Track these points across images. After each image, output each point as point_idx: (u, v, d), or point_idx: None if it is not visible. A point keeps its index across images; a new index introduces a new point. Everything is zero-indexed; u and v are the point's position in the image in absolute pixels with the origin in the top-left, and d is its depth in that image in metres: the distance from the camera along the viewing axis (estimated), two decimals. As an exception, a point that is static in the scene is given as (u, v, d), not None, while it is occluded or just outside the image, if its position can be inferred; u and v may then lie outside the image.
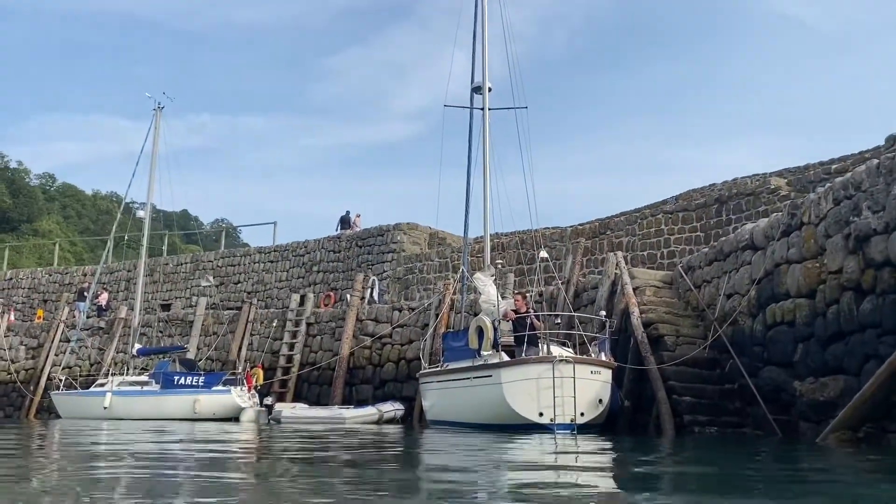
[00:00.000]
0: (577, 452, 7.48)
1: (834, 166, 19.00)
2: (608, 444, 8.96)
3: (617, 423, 12.69)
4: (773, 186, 18.89)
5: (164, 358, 21.64)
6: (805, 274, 10.31)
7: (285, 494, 4.14)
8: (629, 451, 8.24)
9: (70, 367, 24.64)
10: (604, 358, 12.52)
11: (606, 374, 12.31)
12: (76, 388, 21.57)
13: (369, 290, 23.48)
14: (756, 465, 6.27)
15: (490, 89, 17.35)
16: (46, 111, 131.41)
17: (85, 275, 34.38)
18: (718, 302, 12.83)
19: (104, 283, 32.40)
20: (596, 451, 7.73)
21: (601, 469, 5.79)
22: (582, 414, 11.61)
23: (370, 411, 17.37)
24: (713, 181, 24.74)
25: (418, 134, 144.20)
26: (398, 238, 27.40)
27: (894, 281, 8.59)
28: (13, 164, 74.38)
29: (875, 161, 9.38)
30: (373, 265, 27.30)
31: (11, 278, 36.13)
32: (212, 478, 4.98)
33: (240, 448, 8.72)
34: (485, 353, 13.15)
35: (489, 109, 17.18)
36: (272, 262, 30.50)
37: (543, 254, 15.36)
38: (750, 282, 11.88)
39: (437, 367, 15.56)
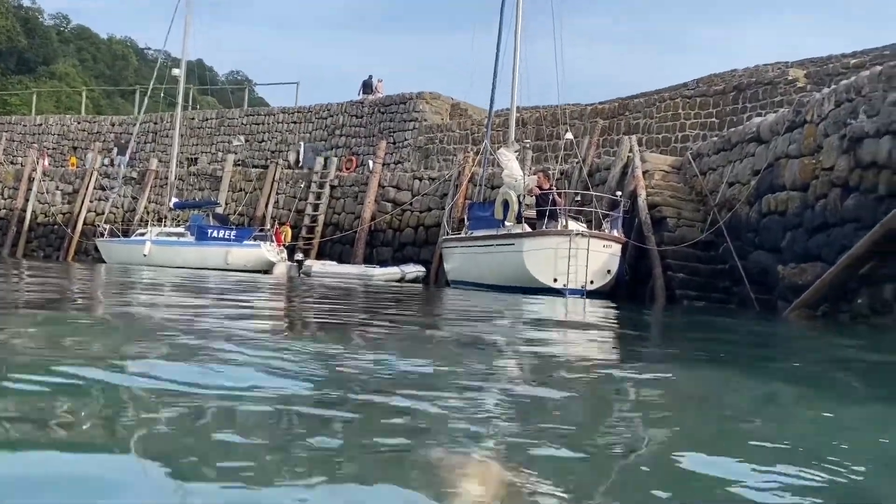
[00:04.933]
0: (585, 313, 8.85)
1: (853, 61, 19.31)
2: (610, 306, 10.41)
3: (619, 292, 14.15)
4: (790, 77, 19.31)
5: (198, 212, 23.01)
6: (801, 169, 11.24)
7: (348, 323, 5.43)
8: (627, 311, 9.63)
9: (103, 214, 26.13)
10: (616, 234, 13.84)
11: (616, 248, 13.71)
12: (119, 236, 23.14)
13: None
14: (723, 327, 7.57)
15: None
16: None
17: (113, 125, 35.25)
18: (721, 189, 13.83)
19: (131, 135, 33.35)
20: (599, 309, 9.10)
21: (604, 320, 7.11)
22: (591, 282, 13.14)
23: (394, 271, 18.88)
24: (735, 67, 24.94)
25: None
26: (420, 107, 27.95)
27: (877, 181, 9.55)
28: (26, 2, 72.83)
29: (878, 68, 10.09)
30: (394, 132, 28.05)
31: (41, 124, 37.02)
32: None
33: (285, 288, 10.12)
34: (508, 223, 14.53)
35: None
36: (295, 122, 31.20)
37: (569, 135, 16.36)
38: (752, 172, 12.82)
39: (461, 234, 16.94)
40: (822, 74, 19.19)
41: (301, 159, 27.07)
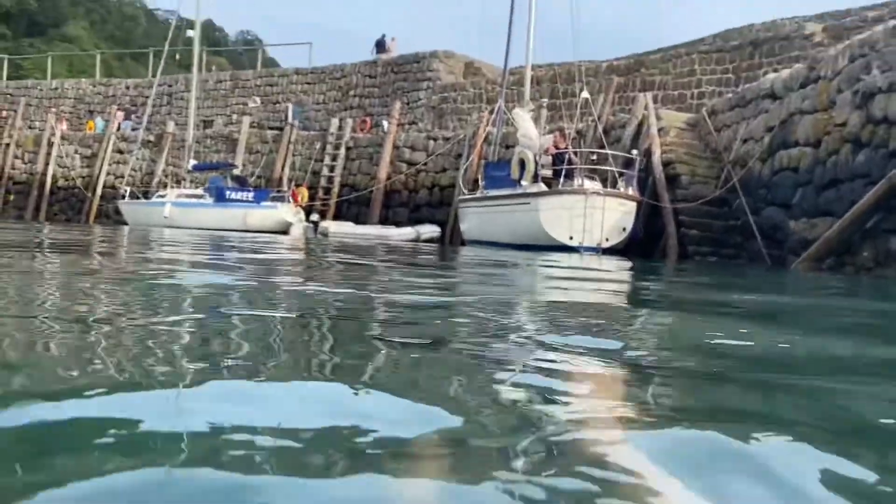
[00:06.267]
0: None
1: (871, 14, 19.07)
2: (625, 262, 10.68)
3: (632, 248, 14.37)
4: (808, 32, 19.13)
5: (216, 174, 23.31)
6: (814, 125, 11.32)
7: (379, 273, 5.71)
8: (639, 269, 9.87)
9: (123, 177, 26.51)
10: (630, 192, 14.00)
11: (631, 207, 13.90)
12: (140, 199, 23.53)
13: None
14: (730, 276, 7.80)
15: None
16: None
17: (128, 87, 35.44)
18: (734, 146, 13.91)
19: (146, 98, 33.52)
20: (614, 267, 9.35)
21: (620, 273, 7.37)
22: (607, 239, 13.39)
23: (410, 231, 19.17)
24: (753, 21, 24.67)
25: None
26: (434, 66, 27.87)
27: (888, 137, 9.64)
28: (34, -37, 72.20)
29: (892, 22, 10.09)
30: (408, 92, 28.05)
31: (57, 88, 37.27)
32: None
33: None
34: (524, 183, 14.70)
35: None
36: (309, 83, 31.23)
37: (585, 94, 16.35)
38: (766, 129, 12.89)
39: (477, 193, 17.14)
40: (841, 29, 18.99)
41: (290, 120, 27.54)
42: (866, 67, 10.18)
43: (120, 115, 31.11)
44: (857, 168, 10.07)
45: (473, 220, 16.75)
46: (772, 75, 13.67)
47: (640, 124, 15.98)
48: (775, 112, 12.69)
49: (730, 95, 15.26)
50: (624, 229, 13.79)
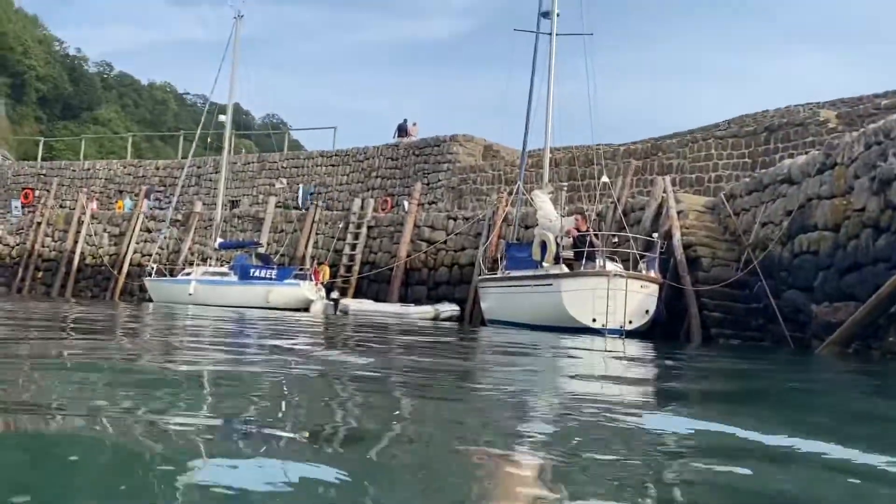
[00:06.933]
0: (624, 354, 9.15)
1: (884, 102, 19.51)
2: (649, 345, 10.68)
3: (655, 331, 14.35)
4: (822, 119, 19.54)
5: (241, 252, 23.75)
6: (833, 210, 11.48)
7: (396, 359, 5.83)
8: (664, 351, 9.90)
9: (150, 255, 27.06)
10: (652, 274, 14.10)
11: (653, 289, 13.95)
12: (165, 276, 23.96)
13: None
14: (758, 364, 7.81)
15: (558, 14, 18.24)
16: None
17: (158, 168, 36.55)
18: (754, 229, 14.07)
19: (176, 178, 34.52)
20: (636, 352, 9.38)
21: (641, 360, 7.42)
22: (630, 322, 13.38)
23: (428, 309, 19.28)
24: (767, 107, 25.25)
25: (467, 30, 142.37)
26: (454, 149, 28.60)
27: (908, 222, 9.76)
28: (71, 51, 75.71)
29: (906, 112, 10.36)
30: (429, 174, 28.72)
31: (89, 168, 38.50)
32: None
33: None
34: (546, 264, 14.88)
35: (556, 35, 18.14)
36: (333, 165, 32.08)
37: (605, 179, 16.77)
38: (784, 213, 13.06)
39: (498, 273, 17.33)
40: (854, 115, 19.40)
41: (299, 202, 28.29)
42: (882, 154, 10.40)
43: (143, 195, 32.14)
44: (878, 252, 10.16)
45: (495, 299, 16.87)
46: (788, 161, 13.94)
47: (660, 207, 16.22)
48: (793, 196, 12.88)
49: (747, 180, 15.53)
50: (647, 311, 13.79)
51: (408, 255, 22.73)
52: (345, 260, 24.14)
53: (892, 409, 4.38)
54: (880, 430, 3.27)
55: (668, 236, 15.10)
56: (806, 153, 15.28)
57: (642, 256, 14.49)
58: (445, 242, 22.37)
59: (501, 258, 17.78)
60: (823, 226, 11.65)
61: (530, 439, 2.51)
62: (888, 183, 10.17)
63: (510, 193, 21.11)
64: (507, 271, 16.74)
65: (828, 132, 18.85)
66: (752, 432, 2.71)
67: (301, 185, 30.23)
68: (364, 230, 24.42)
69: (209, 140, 26.59)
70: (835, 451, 2.43)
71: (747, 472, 2.06)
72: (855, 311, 10.39)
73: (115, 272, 27.85)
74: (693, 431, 2.79)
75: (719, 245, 15.01)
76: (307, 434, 2.32)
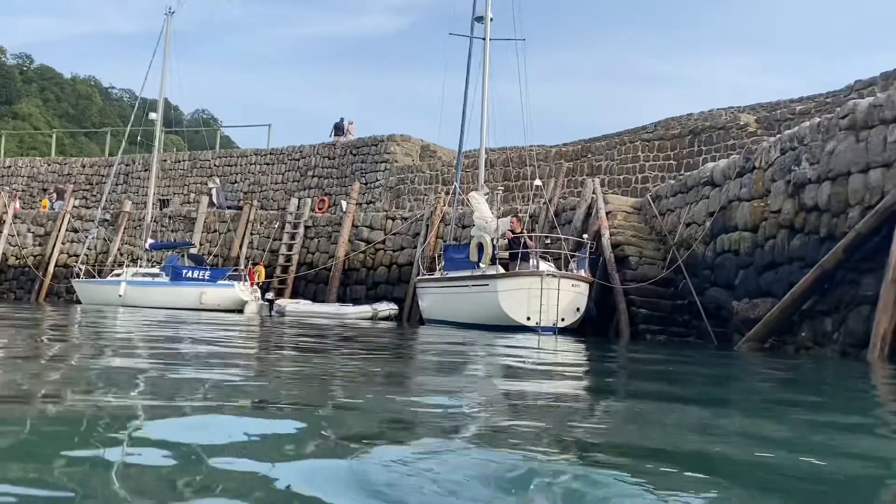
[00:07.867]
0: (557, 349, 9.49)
1: (799, 107, 20.57)
2: (580, 342, 11.07)
3: (586, 328, 14.85)
4: (742, 123, 20.49)
5: (173, 252, 23.31)
6: (752, 211, 12.14)
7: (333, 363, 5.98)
8: (594, 346, 10.30)
9: (78, 256, 26.26)
10: (583, 274, 14.60)
11: (584, 287, 14.47)
12: (94, 277, 23.31)
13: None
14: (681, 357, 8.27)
15: (491, 19, 18.60)
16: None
17: (84, 166, 35.42)
18: (678, 229, 14.71)
19: (103, 176, 33.53)
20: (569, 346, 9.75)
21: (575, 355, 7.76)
22: (562, 319, 13.85)
23: (367, 309, 19.36)
24: (691, 111, 26.23)
25: (404, 28, 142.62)
26: (391, 149, 28.71)
27: (819, 224, 10.43)
28: (-12, 43, 72.31)
29: (816, 120, 11.06)
30: (366, 174, 28.76)
31: (10, 166, 37.01)
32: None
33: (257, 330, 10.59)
34: (483, 265, 15.24)
35: (490, 40, 18.51)
36: (268, 164, 31.74)
37: (538, 182, 17.28)
38: (707, 214, 13.72)
39: (436, 273, 17.60)
40: (771, 120, 20.41)
41: (216, 200, 27.51)
42: (796, 159, 11.07)
43: (55, 195, 31.28)
44: (793, 252, 10.82)
45: (433, 299, 17.14)
46: (710, 164, 14.63)
47: (589, 207, 16.76)
48: (715, 198, 13.54)
49: (672, 182, 16.19)
50: (578, 309, 14.29)
51: (346, 255, 22.76)
52: (281, 260, 23.99)
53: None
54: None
55: (597, 236, 15.63)
56: (727, 156, 16.07)
57: (573, 256, 15.00)
58: (384, 242, 22.50)
59: (439, 258, 18.06)
60: (743, 226, 12.30)
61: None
62: (802, 186, 10.83)
63: (448, 193, 21.38)
64: (446, 272, 17.05)
65: (748, 136, 19.80)
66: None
67: (213, 186, 29.03)
68: (301, 230, 24.30)
69: (139, 137, 25.91)
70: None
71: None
72: (772, 307, 11.04)
73: (41, 274, 26.92)
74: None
75: (646, 244, 15.62)
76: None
